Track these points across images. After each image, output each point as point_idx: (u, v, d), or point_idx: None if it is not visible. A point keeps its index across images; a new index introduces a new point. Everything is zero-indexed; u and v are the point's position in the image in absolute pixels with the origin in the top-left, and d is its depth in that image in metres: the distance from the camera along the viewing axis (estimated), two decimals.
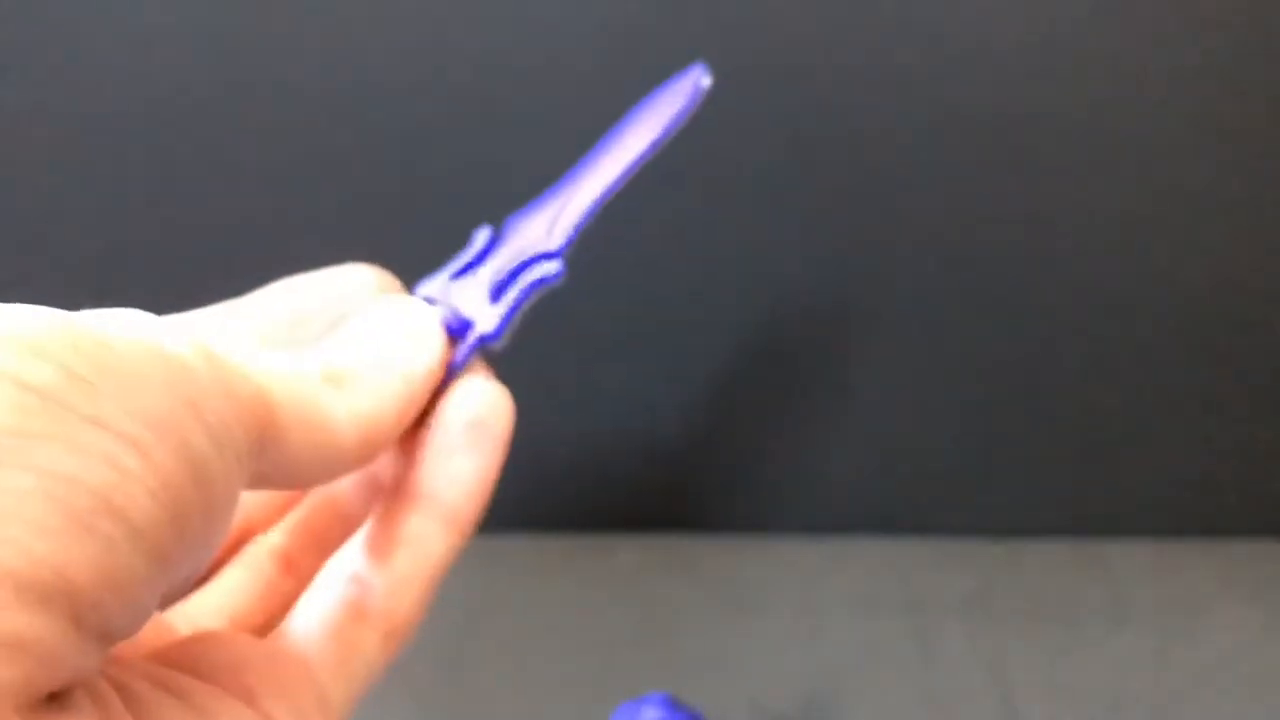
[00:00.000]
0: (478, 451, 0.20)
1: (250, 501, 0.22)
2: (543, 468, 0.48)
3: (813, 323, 0.45)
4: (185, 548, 0.14)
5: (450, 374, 0.21)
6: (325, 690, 0.19)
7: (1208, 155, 0.41)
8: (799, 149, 0.42)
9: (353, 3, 0.39)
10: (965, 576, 0.47)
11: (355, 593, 0.20)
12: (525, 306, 0.22)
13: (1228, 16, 0.39)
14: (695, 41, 0.40)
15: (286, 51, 0.40)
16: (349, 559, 0.20)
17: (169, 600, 0.15)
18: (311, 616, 0.20)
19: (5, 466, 0.12)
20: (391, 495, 0.21)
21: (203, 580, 0.21)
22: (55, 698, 0.13)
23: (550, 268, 0.22)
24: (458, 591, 0.47)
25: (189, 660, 0.17)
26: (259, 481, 0.17)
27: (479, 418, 0.20)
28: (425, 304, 0.21)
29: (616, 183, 0.22)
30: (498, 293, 0.22)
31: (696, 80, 0.23)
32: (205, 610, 0.20)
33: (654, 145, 0.22)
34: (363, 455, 0.19)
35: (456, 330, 0.21)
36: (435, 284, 0.23)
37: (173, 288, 0.44)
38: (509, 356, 0.46)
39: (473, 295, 0.22)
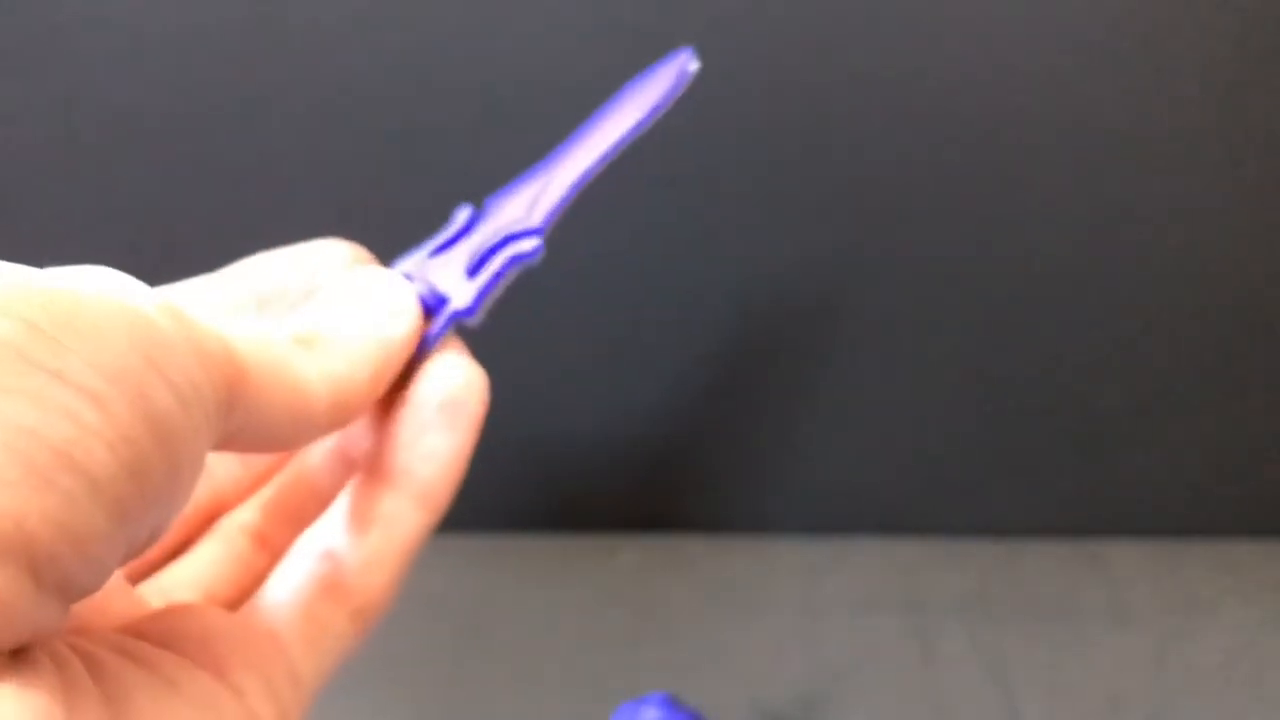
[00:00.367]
0: (451, 430, 0.20)
1: (222, 475, 0.22)
2: (543, 468, 0.48)
3: (812, 323, 0.45)
4: (146, 503, 0.14)
5: (425, 347, 0.21)
6: (295, 664, 0.19)
7: (1208, 155, 0.41)
8: (796, 147, 0.42)
9: None
10: (965, 576, 0.47)
11: (326, 569, 0.20)
12: (503, 283, 0.22)
13: (1228, 16, 0.39)
14: (690, 38, 0.40)
15: (271, 40, 0.40)
16: (320, 535, 0.20)
17: (131, 557, 0.15)
18: (282, 591, 0.20)
19: None
20: (364, 472, 0.21)
21: (175, 554, 0.21)
22: (16, 656, 0.13)
23: (528, 245, 0.22)
24: (458, 591, 0.47)
25: (159, 632, 0.17)
26: (229, 442, 0.17)
27: (453, 396, 0.20)
28: (400, 276, 0.21)
29: (598, 163, 0.22)
30: (475, 269, 0.22)
31: (683, 65, 0.23)
32: (178, 584, 0.20)
33: (638, 128, 0.22)
34: (335, 418, 0.18)
35: (432, 305, 0.21)
36: (413, 260, 0.23)
37: (167, 282, 0.44)
38: (509, 356, 0.46)
39: (450, 271, 0.22)
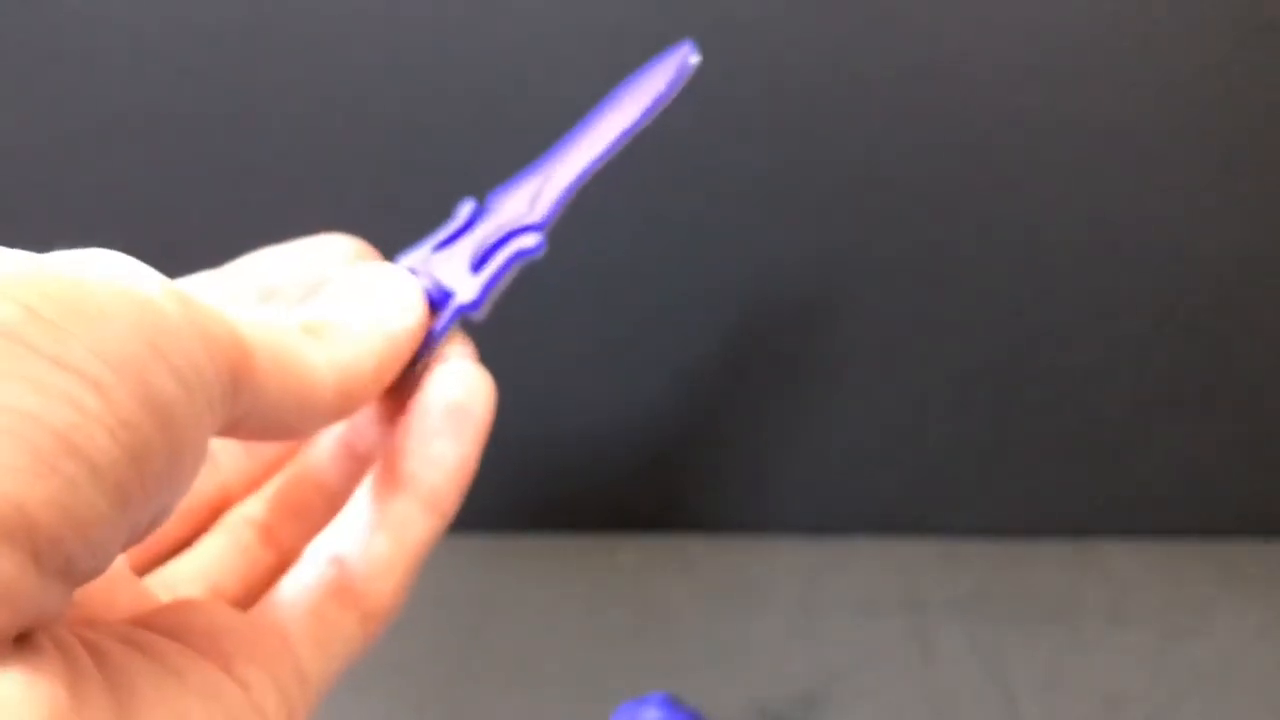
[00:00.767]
0: (458, 435, 0.21)
1: (229, 467, 0.22)
2: (543, 468, 0.48)
3: (812, 323, 0.45)
4: (148, 488, 0.14)
5: (430, 342, 0.21)
6: (302, 663, 0.19)
7: (1208, 155, 0.41)
8: (796, 147, 0.42)
9: None
10: (965, 576, 0.47)
11: (335, 573, 0.20)
12: (506, 278, 0.22)
13: (1227, 15, 0.39)
14: (690, 37, 0.40)
15: (272, 38, 0.40)
16: (331, 539, 0.21)
17: (134, 542, 0.15)
18: (291, 593, 0.20)
19: None
20: (374, 477, 0.21)
21: (182, 547, 0.21)
22: (21, 642, 0.13)
23: (531, 240, 0.22)
24: (458, 591, 0.47)
25: (166, 626, 0.17)
26: (234, 429, 0.17)
27: (459, 402, 0.21)
28: (406, 270, 0.21)
29: (601, 158, 0.22)
30: (479, 264, 0.22)
31: (684, 58, 0.23)
32: (184, 576, 0.20)
33: (640, 122, 0.22)
34: (340, 406, 0.19)
35: (437, 300, 0.21)
36: (417, 255, 0.23)
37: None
38: (509, 356, 0.46)
39: (454, 266, 0.22)
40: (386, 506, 0.20)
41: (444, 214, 0.43)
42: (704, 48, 0.40)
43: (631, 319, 0.45)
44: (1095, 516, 0.49)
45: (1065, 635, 0.44)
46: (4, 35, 0.40)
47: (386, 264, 0.21)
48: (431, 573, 0.48)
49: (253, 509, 0.22)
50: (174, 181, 0.43)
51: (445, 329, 0.21)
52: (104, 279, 0.14)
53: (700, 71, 0.40)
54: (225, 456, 0.22)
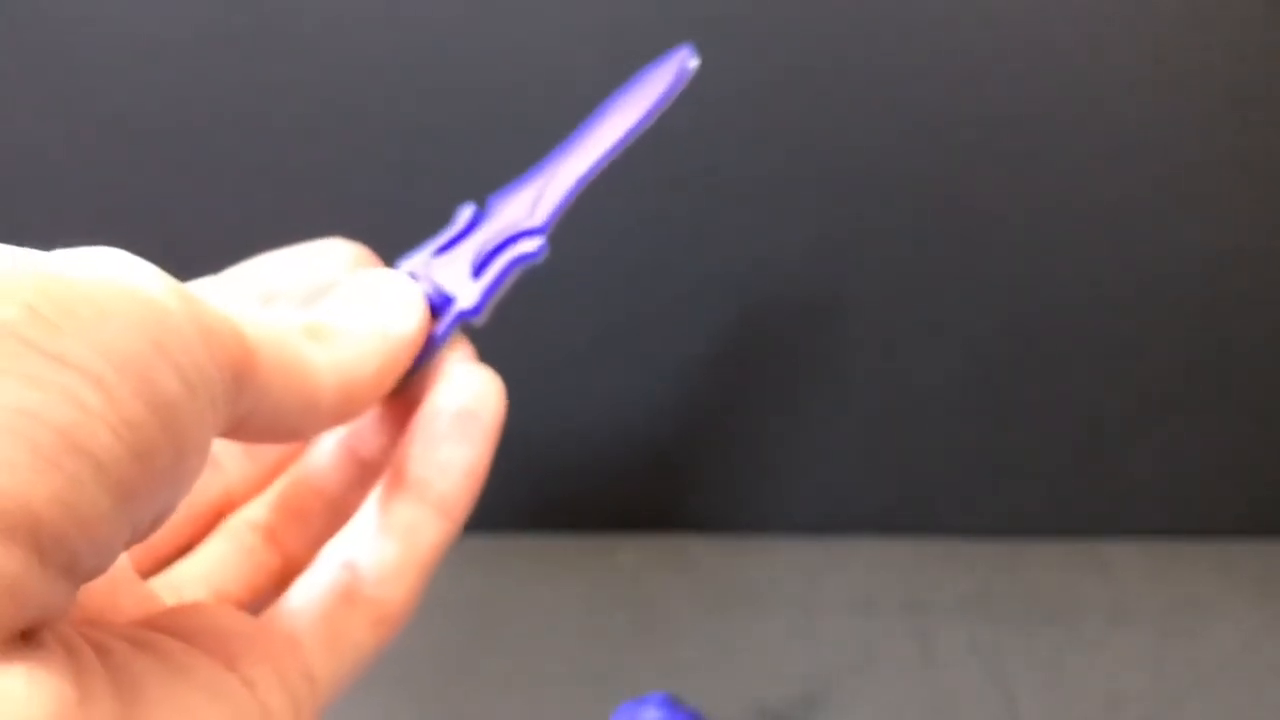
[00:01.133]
0: (467, 440, 0.21)
1: (233, 471, 0.22)
2: (543, 468, 0.48)
3: (812, 323, 0.45)
4: (151, 486, 0.14)
5: (432, 347, 0.21)
6: (311, 666, 0.19)
7: (1208, 154, 0.41)
8: (796, 147, 0.42)
9: None
10: (965, 576, 0.47)
11: (346, 578, 0.20)
12: (507, 283, 0.22)
13: (1226, 15, 0.39)
14: (690, 37, 0.40)
15: (272, 40, 0.40)
16: (343, 544, 0.21)
17: (137, 540, 0.15)
18: (302, 598, 0.20)
19: None
20: (385, 483, 0.21)
21: (186, 549, 0.21)
22: (26, 639, 0.13)
23: (532, 245, 0.22)
24: (458, 591, 0.47)
25: (172, 628, 0.17)
26: (237, 429, 0.17)
27: (467, 407, 0.21)
28: (406, 276, 0.21)
29: (600, 162, 0.22)
30: (479, 269, 0.22)
31: (683, 61, 0.23)
32: (188, 579, 0.20)
33: (639, 126, 0.22)
34: (342, 408, 0.19)
35: (438, 305, 0.21)
36: (417, 260, 0.23)
37: None
38: (509, 356, 0.46)
39: (454, 271, 0.22)
40: (397, 512, 0.20)
41: (443, 217, 0.43)
42: (704, 48, 0.40)
43: (632, 319, 0.45)
44: (1095, 516, 0.49)
45: (1065, 635, 0.44)
46: (5, 35, 0.40)
47: (387, 269, 0.21)
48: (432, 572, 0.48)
49: (256, 512, 0.22)
50: (174, 183, 0.43)
51: (446, 334, 0.21)
52: (106, 277, 0.14)
53: (700, 72, 0.40)
54: (228, 459, 0.22)
